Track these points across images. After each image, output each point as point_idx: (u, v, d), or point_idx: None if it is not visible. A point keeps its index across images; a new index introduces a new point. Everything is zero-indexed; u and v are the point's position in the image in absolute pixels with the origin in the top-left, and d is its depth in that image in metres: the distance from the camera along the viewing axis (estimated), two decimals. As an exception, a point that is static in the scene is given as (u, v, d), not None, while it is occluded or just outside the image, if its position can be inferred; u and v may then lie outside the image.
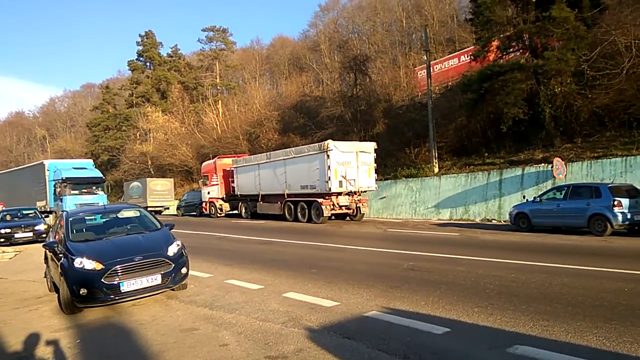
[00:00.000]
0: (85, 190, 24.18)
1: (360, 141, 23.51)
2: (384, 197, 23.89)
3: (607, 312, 5.36)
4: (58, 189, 23.69)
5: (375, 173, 21.00)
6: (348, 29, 50.05)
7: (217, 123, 47.05)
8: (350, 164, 19.76)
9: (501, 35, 20.81)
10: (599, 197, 12.96)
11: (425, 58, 25.01)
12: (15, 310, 7.48)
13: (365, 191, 20.70)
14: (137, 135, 56.15)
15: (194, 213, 31.16)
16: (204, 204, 29.17)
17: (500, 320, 5.16)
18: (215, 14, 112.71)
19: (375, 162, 20.86)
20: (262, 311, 6.11)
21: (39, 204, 25.18)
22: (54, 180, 24.36)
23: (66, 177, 23.72)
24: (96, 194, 24.49)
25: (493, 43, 21.10)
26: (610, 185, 13.52)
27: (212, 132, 45.84)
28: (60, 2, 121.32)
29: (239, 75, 58.53)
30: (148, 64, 59.94)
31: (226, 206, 27.49)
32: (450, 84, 29.77)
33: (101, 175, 26.53)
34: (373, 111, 31.14)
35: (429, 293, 6.46)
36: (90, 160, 31.44)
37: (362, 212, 20.83)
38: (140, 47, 58.81)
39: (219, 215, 27.52)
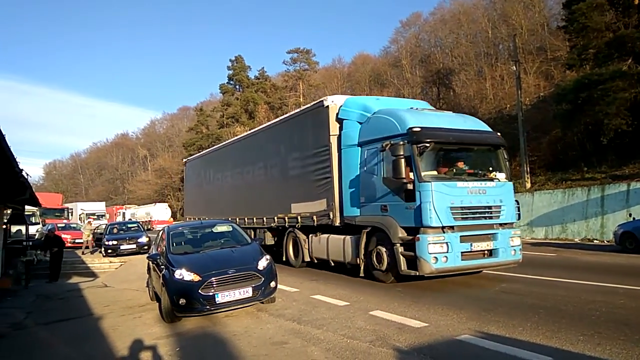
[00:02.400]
0: (468, 171, 9.25)
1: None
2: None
3: None
4: (394, 164, 8.54)
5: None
6: (430, 42, 49.25)
7: (301, 140, 48.22)
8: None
9: (599, 42, 19.38)
10: None
11: (515, 68, 23.88)
12: (122, 317, 8.16)
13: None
14: (227, 154, 59.24)
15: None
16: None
17: (610, 351, 4.70)
18: (299, 35, 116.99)
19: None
20: (349, 328, 6.11)
21: (303, 208, 11.52)
22: (365, 144, 9.83)
23: (424, 128, 8.67)
24: (493, 179, 9.18)
25: (590, 50, 19.70)
26: None
27: (296, 149, 47.00)
28: (159, 37, 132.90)
29: (322, 93, 59.70)
30: (237, 86, 63.39)
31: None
32: (542, 94, 28.17)
33: (491, 131, 9.99)
34: (458, 125, 30.22)
35: (526, 318, 6.07)
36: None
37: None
38: (231, 71, 62.50)
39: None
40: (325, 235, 10.97)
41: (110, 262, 18.62)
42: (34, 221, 24.51)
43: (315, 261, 11.60)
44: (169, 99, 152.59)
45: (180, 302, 6.75)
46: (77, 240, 24.14)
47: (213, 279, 6.82)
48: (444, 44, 46.70)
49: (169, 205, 56.01)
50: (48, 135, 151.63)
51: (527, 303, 7.06)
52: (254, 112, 59.11)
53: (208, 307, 6.78)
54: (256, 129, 16.04)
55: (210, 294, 6.75)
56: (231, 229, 8.93)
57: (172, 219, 50.45)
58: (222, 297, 6.78)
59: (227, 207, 16.24)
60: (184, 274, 6.89)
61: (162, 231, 8.80)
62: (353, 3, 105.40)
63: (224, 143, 19.28)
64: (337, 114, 10.56)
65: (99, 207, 46.65)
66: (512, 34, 30.51)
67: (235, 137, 18.98)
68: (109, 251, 19.56)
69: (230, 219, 14.56)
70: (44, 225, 24.64)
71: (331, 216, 10.46)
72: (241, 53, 77.77)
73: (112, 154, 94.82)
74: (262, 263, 7.38)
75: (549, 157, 24.12)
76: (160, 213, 50.62)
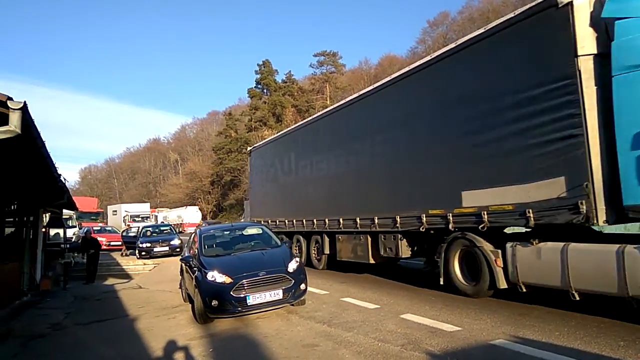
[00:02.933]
0: None
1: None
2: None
3: None
4: None
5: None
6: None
7: (328, 143, 48.26)
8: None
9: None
10: None
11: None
12: (156, 318, 8.34)
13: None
14: (256, 157, 60.10)
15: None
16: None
17: (654, 358, 4.50)
18: (326, 38, 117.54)
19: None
20: (379, 331, 6.07)
21: (496, 197, 6.76)
22: None
23: None
24: None
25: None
26: None
27: (324, 152, 47.08)
28: (189, 44, 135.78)
29: (348, 96, 59.80)
30: (265, 90, 64.23)
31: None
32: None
33: None
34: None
35: (563, 322, 5.89)
36: None
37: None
38: (258, 76, 63.44)
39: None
40: (558, 245, 6.07)
41: (144, 264, 19.07)
42: (70, 224, 25.33)
43: (524, 289, 6.70)
44: (199, 104, 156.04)
45: (212, 303, 6.85)
46: (112, 243, 24.82)
47: (244, 281, 6.91)
48: (473, 43, 45.95)
49: (199, 208, 57.07)
50: (84, 141, 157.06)
51: (564, 306, 6.85)
52: (281, 116, 59.72)
53: (240, 308, 6.86)
54: (375, 85, 10.11)
55: (242, 295, 6.83)
56: (261, 232, 9.02)
57: (202, 221, 51.35)
58: (253, 299, 6.86)
59: (321, 205, 11.88)
60: (215, 276, 7.00)
61: (194, 234, 8.97)
62: (379, 4, 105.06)
63: (313, 117, 13.71)
64: (594, 14, 5.70)
65: (144, 208, 43.92)
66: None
67: (334, 105, 12.48)
68: (143, 253, 20.04)
69: (327, 220, 11.45)
70: (80, 229, 25.46)
71: (582, 208, 5.62)
72: (268, 57, 78.80)
73: (145, 159, 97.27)
74: (292, 265, 7.43)
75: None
76: (191, 216, 51.63)
